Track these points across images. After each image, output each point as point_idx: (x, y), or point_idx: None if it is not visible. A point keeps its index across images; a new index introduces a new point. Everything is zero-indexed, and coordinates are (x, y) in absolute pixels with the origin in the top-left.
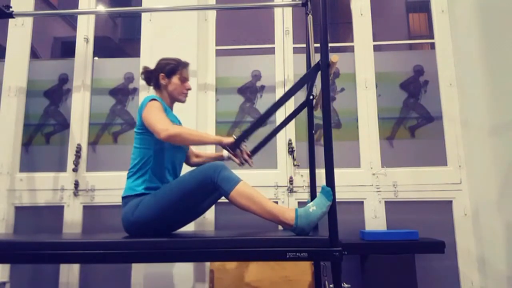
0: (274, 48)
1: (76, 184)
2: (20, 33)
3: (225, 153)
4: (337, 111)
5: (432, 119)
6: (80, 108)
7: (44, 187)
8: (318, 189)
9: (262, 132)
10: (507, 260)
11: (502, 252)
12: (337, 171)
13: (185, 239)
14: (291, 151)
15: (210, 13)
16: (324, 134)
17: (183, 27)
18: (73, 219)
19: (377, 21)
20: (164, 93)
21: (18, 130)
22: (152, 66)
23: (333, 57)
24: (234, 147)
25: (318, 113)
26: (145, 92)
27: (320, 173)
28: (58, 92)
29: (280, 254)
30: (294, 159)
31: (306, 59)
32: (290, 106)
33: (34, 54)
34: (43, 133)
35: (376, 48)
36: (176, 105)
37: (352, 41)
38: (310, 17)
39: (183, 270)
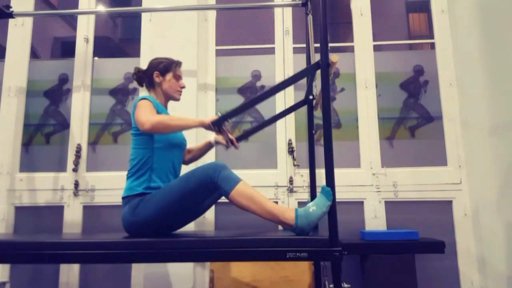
0: (274, 48)
1: (76, 184)
2: (20, 33)
3: (212, 138)
4: (337, 111)
5: (432, 119)
6: (80, 108)
7: (44, 187)
8: (318, 189)
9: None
10: (507, 260)
11: (502, 252)
12: (337, 171)
13: (185, 239)
14: (291, 151)
15: (210, 13)
16: (324, 134)
17: (183, 27)
18: (73, 219)
19: (377, 21)
20: (158, 91)
21: (18, 130)
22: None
23: (333, 57)
24: (218, 124)
25: (318, 113)
26: (145, 92)
27: (320, 173)
28: (58, 92)
29: (280, 254)
30: (294, 159)
31: (306, 59)
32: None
33: (34, 54)
34: (43, 133)
35: (376, 48)
36: (176, 105)
37: (352, 41)
38: (310, 17)
39: (183, 270)
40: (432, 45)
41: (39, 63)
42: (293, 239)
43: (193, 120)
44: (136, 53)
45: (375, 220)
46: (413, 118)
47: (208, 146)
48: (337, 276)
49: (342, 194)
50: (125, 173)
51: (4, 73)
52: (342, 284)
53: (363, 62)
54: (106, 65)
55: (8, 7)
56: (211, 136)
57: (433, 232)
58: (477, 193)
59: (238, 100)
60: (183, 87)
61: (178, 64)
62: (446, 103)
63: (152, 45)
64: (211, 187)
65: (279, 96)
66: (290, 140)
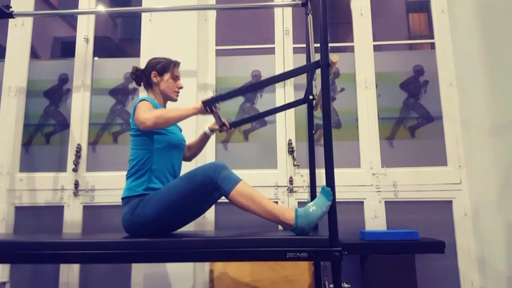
0: (274, 48)
1: (76, 184)
2: (20, 33)
3: (207, 129)
4: (337, 111)
5: (432, 119)
6: (80, 108)
7: (44, 187)
8: (318, 189)
9: (262, 132)
10: (507, 260)
11: (502, 252)
12: (337, 171)
13: (185, 239)
14: (291, 151)
15: (210, 13)
16: (324, 134)
17: (183, 27)
18: (73, 219)
19: (377, 21)
20: (156, 91)
21: (18, 130)
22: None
23: (333, 57)
24: (209, 103)
25: (318, 113)
26: (145, 92)
27: (320, 173)
28: (58, 92)
29: (280, 254)
30: (294, 159)
31: (306, 59)
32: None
33: (34, 54)
34: (43, 133)
35: (376, 48)
36: (176, 105)
37: (352, 41)
38: (310, 17)
39: (183, 270)
40: (432, 45)
41: (39, 63)
42: (293, 239)
43: (187, 108)
44: (136, 53)
45: (375, 220)
46: (413, 118)
47: (204, 137)
48: (337, 276)
49: (342, 194)
50: (125, 173)
51: (4, 73)
52: (342, 284)
53: (363, 62)
54: (106, 65)
55: (8, 7)
56: (206, 127)
57: (433, 232)
58: (477, 193)
59: (238, 100)
60: (181, 87)
61: (176, 64)
62: (446, 103)
63: (152, 45)
64: (211, 187)
65: (279, 96)
66: (290, 140)
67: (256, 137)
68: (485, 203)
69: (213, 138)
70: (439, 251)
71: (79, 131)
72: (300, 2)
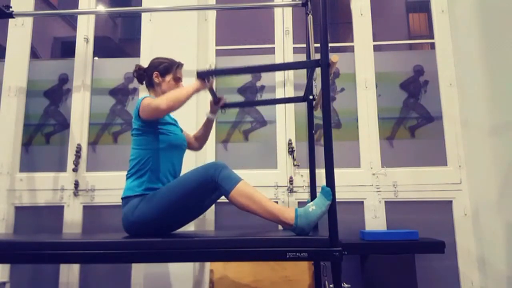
0: (274, 48)
1: (76, 184)
2: (20, 33)
3: (207, 113)
4: (337, 111)
5: (432, 119)
6: (80, 108)
7: (44, 187)
8: (318, 189)
9: (262, 132)
10: (507, 260)
11: (502, 252)
12: (337, 171)
13: (185, 239)
14: (291, 151)
15: (210, 13)
16: (324, 134)
17: (183, 27)
18: (73, 219)
19: (377, 21)
20: (157, 91)
21: (18, 130)
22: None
23: (333, 57)
24: (203, 75)
25: (318, 113)
26: (145, 92)
27: (320, 173)
28: (58, 92)
29: (280, 254)
30: (294, 159)
31: (306, 59)
32: (290, 106)
33: (34, 54)
34: (43, 133)
35: (376, 48)
36: None
37: (352, 41)
38: (310, 17)
39: (183, 270)
40: (432, 45)
41: (39, 63)
42: (293, 239)
43: (189, 85)
44: (136, 53)
45: (375, 220)
46: (413, 118)
47: (207, 123)
48: (337, 276)
49: (342, 194)
50: (125, 173)
51: (4, 73)
52: (342, 284)
53: (363, 62)
54: (106, 65)
55: (8, 7)
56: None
57: (433, 232)
58: (477, 193)
59: (239, 100)
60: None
61: (179, 65)
62: (446, 103)
63: (152, 45)
64: (212, 187)
65: (279, 96)
66: (290, 140)
67: (256, 137)
68: (485, 203)
69: (213, 138)
70: (439, 251)
71: (79, 131)
72: (300, 2)
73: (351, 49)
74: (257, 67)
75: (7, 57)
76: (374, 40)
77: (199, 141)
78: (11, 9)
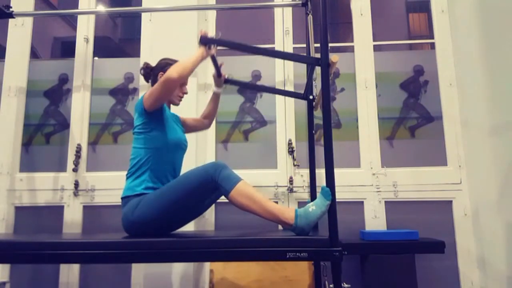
0: (274, 48)
1: (76, 184)
2: (20, 33)
3: (214, 88)
4: (337, 111)
5: (432, 119)
6: (80, 108)
7: (44, 187)
8: (318, 189)
9: (262, 132)
10: (507, 260)
11: (502, 252)
12: (337, 171)
13: (185, 239)
14: (291, 151)
15: (210, 13)
16: (324, 134)
17: (183, 27)
18: (73, 219)
19: (377, 21)
20: None
21: (18, 130)
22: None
23: (333, 57)
24: (208, 41)
25: (318, 113)
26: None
27: (320, 173)
28: (58, 92)
29: (280, 254)
30: (294, 159)
31: None
32: (290, 106)
33: (34, 54)
34: (43, 133)
35: (376, 48)
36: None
37: (352, 41)
38: (310, 17)
39: (183, 270)
40: (432, 45)
41: (39, 63)
42: (293, 239)
43: (197, 55)
44: (136, 53)
45: (375, 220)
46: (413, 118)
47: (215, 97)
48: (337, 276)
49: (342, 194)
50: (125, 173)
51: (4, 73)
52: (342, 284)
53: (363, 62)
54: (106, 65)
55: (8, 7)
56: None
57: (433, 232)
58: (477, 193)
59: (239, 100)
60: (185, 93)
61: None
62: (446, 103)
63: (152, 45)
64: (211, 186)
65: (279, 95)
66: (290, 140)
67: (256, 137)
68: (485, 203)
69: (213, 138)
70: (439, 251)
71: (79, 131)
72: (300, 2)
73: (351, 49)
74: (259, 49)
75: (7, 57)
76: (374, 40)
77: (209, 117)
78: (11, 9)
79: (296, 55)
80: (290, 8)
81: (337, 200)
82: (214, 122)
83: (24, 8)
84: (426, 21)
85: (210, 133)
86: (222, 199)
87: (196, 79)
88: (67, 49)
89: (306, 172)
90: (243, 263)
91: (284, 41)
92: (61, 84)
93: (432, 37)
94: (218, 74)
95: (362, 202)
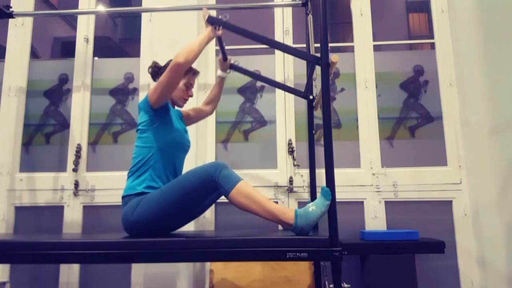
0: (274, 49)
1: (76, 184)
2: (20, 33)
3: (218, 71)
4: (337, 111)
5: (432, 119)
6: (80, 108)
7: (44, 187)
8: (318, 189)
9: (262, 132)
10: (507, 260)
11: (502, 252)
12: (337, 171)
13: (185, 239)
14: (291, 151)
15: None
16: (324, 134)
17: (183, 27)
18: (73, 219)
19: (377, 21)
20: None
21: (18, 130)
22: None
23: (333, 57)
24: (215, 21)
25: (318, 113)
26: (146, 92)
27: (320, 173)
28: (58, 92)
29: (280, 254)
30: (294, 159)
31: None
32: (290, 105)
33: (34, 54)
34: (43, 133)
35: (376, 48)
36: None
37: (352, 41)
38: (310, 17)
39: (183, 270)
40: (432, 45)
41: (39, 63)
42: (293, 239)
43: (203, 36)
44: (136, 53)
45: (375, 220)
46: (413, 118)
47: (219, 82)
48: (337, 276)
49: (342, 194)
50: (126, 173)
51: (4, 73)
52: (342, 284)
53: (363, 62)
54: (106, 65)
55: (8, 7)
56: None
57: (433, 232)
58: (477, 193)
59: (239, 100)
60: (191, 96)
61: (195, 73)
62: (446, 103)
63: (152, 45)
64: (212, 186)
65: (279, 96)
66: (290, 140)
67: (256, 137)
68: (485, 203)
69: (213, 138)
70: (439, 251)
71: (79, 131)
72: (300, 2)
73: (351, 49)
74: (263, 37)
75: (7, 57)
76: (374, 40)
77: (212, 102)
78: (11, 9)
79: (297, 50)
80: (290, 8)
81: (337, 200)
82: (214, 122)
83: (24, 8)
84: (426, 21)
85: (210, 133)
86: (222, 199)
87: (196, 79)
88: (67, 49)
89: (306, 172)
90: (243, 263)
91: (284, 41)
92: (61, 84)
93: (432, 37)
94: (224, 58)
95: (362, 202)
